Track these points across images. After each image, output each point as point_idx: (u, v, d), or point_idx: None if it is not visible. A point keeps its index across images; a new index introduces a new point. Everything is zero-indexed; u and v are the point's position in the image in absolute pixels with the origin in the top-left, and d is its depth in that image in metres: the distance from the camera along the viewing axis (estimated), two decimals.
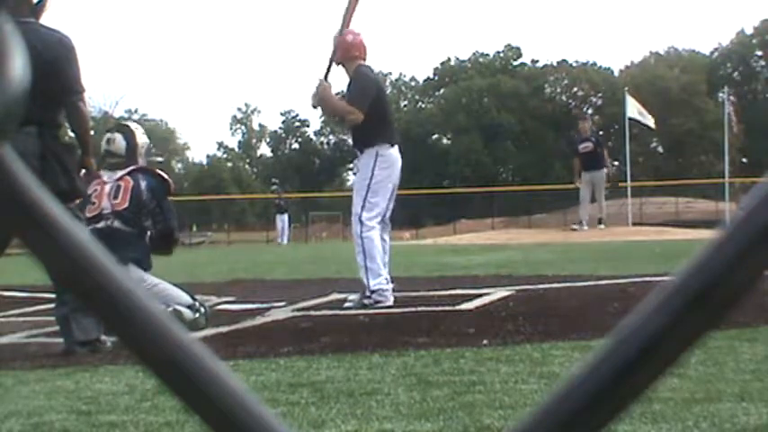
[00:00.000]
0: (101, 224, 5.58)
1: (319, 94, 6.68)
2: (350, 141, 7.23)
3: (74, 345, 4.64)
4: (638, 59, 66.95)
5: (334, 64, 6.72)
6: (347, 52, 6.66)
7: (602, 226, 19.44)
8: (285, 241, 29.95)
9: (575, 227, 19.94)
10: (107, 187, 5.69)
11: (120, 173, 5.74)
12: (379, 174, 6.54)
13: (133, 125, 6.11)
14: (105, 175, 5.77)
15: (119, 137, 5.85)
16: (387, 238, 6.69)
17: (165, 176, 5.87)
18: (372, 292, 6.33)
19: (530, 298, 6.66)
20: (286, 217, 30.47)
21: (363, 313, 5.94)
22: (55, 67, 4.50)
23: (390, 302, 6.33)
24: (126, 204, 5.61)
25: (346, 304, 6.42)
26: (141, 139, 5.91)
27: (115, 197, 5.64)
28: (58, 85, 4.53)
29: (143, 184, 5.68)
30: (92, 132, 5.00)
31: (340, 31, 6.71)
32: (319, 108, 6.98)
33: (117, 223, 5.58)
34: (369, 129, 6.56)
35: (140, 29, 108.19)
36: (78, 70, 4.75)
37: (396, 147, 6.70)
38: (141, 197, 5.65)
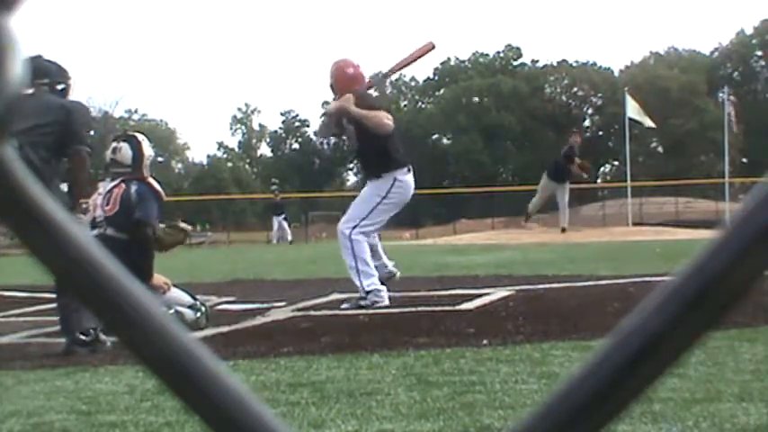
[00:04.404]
0: (94, 232, 5.57)
1: (341, 104, 6.48)
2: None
3: (74, 345, 4.65)
4: (638, 59, 67.01)
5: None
6: (349, 86, 6.57)
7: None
8: (287, 239, 29.79)
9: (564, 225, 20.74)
10: (100, 197, 5.69)
11: (116, 182, 5.73)
12: (393, 196, 6.53)
13: (140, 136, 6.04)
14: (101, 187, 5.76)
15: (125, 146, 5.79)
16: (374, 234, 6.71)
17: (158, 188, 5.83)
18: (368, 292, 6.32)
19: (530, 298, 6.66)
20: (282, 218, 30.35)
21: (363, 313, 5.94)
22: (66, 126, 4.84)
23: (386, 302, 6.31)
24: (116, 209, 5.59)
25: (343, 305, 6.40)
26: (147, 150, 5.85)
27: (107, 204, 5.63)
28: (66, 138, 4.85)
29: (133, 188, 5.65)
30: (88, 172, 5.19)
31: (386, 74, 6.88)
32: (330, 125, 6.75)
33: (110, 230, 5.56)
34: (383, 155, 6.52)
35: (140, 29, 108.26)
36: (86, 130, 5.15)
37: (411, 171, 6.66)
38: (130, 200, 5.61)
